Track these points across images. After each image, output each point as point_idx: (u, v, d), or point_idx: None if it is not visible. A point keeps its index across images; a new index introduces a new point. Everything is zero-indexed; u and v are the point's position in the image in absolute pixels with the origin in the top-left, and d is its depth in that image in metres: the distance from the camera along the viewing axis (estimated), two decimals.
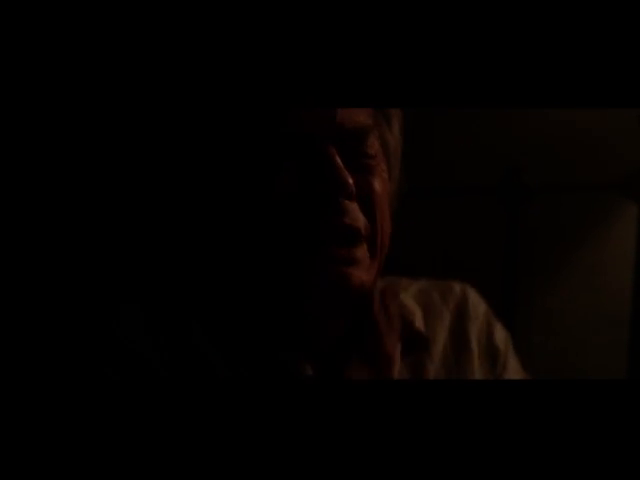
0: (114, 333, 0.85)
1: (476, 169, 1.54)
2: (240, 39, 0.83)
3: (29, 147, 1.16)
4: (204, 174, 0.86)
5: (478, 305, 1.02)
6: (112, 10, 0.83)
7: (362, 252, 0.84)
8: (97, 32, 0.84)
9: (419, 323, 0.96)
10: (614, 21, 0.83)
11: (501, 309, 1.62)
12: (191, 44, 0.83)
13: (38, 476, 0.81)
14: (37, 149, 1.17)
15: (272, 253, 0.83)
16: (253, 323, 0.88)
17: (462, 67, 0.84)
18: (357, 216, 0.84)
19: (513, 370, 1.01)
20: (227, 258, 0.86)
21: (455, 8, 0.83)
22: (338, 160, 0.82)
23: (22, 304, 1.17)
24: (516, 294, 1.57)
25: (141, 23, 0.83)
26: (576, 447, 0.81)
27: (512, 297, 1.57)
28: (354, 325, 0.92)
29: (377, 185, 0.86)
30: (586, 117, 1.53)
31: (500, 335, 1.02)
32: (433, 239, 1.54)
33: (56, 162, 1.19)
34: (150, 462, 0.80)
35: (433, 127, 1.47)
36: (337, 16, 0.82)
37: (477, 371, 0.97)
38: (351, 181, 0.82)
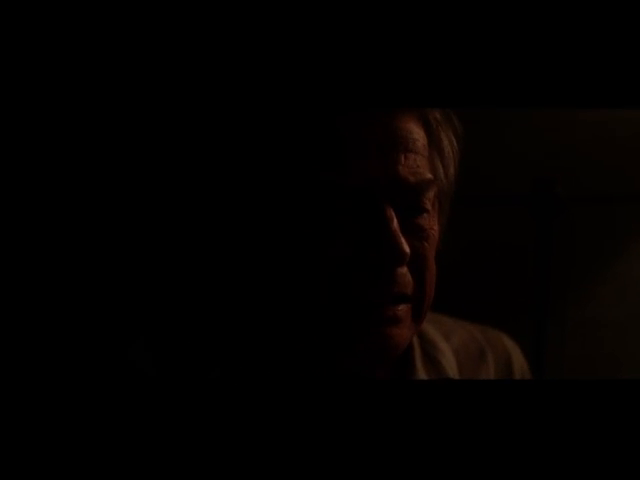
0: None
1: (508, 179, 1.53)
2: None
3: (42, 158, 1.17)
4: (257, 227, 0.85)
5: (522, 367, 1.03)
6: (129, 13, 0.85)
7: (407, 312, 0.84)
8: (110, 33, 0.85)
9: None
10: (615, 22, 0.83)
11: (534, 321, 1.62)
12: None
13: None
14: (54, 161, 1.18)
15: (317, 309, 0.83)
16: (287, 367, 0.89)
17: (463, 66, 0.84)
18: (406, 281, 0.83)
19: None
20: (273, 310, 0.86)
21: (458, 9, 0.84)
22: (396, 227, 0.81)
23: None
24: (549, 306, 1.56)
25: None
26: (579, 448, 0.80)
27: (545, 309, 1.56)
28: (393, 372, 0.93)
29: (429, 248, 0.86)
30: (620, 126, 1.51)
31: None
32: (464, 249, 1.53)
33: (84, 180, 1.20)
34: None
35: (464, 136, 1.46)
36: (338, 17, 0.83)
37: None
38: (407, 250, 0.81)
